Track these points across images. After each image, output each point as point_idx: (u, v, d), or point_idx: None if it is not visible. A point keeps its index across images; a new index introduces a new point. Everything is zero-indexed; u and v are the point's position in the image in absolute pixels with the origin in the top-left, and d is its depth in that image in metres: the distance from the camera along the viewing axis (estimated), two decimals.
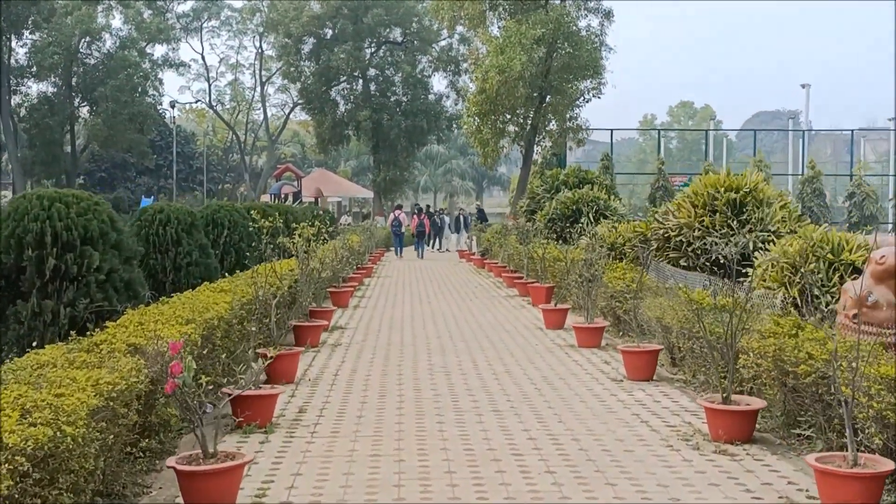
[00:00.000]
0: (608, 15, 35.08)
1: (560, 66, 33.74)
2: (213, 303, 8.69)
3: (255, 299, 9.64)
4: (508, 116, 35.18)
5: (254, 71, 67.26)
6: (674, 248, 13.46)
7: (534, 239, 19.87)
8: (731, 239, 12.66)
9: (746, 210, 12.92)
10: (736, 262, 12.95)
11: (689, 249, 13.00)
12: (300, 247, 11.83)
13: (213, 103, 68.82)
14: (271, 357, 7.80)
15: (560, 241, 22.22)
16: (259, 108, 68.59)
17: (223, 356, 8.00)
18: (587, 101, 35.50)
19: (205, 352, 7.33)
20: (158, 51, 61.65)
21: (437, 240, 44.22)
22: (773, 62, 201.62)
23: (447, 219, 48.33)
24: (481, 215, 41.79)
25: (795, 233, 13.00)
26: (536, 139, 36.57)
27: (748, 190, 13.05)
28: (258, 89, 67.62)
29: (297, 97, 59.63)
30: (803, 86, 48.25)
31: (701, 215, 13.08)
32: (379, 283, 22.57)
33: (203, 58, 67.27)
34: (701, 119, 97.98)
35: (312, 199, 50.04)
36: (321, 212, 32.04)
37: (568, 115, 35.26)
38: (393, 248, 38.22)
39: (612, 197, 24.36)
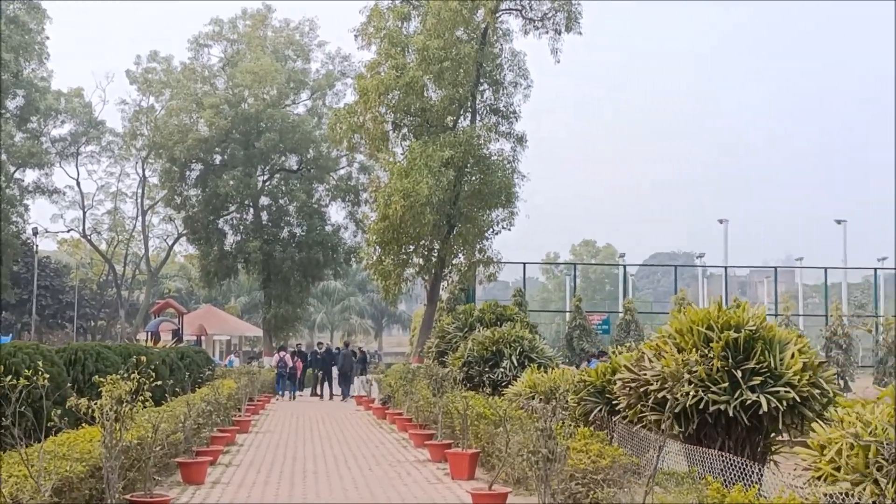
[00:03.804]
0: (521, 140, 32.49)
1: (470, 192, 30.85)
2: None
3: None
4: (413, 247, 31.81)
5: (136, 199, 62.64)
6: (652, 406, 9.81)
7: (450, 388, 15.95)
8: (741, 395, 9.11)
9: (753, 355, 9.42)
10: (750, 428, 9.40)
11: (679, 409, 9.32)
12: (107, 412, 7.65)
13: (89, 233, 63.43)
14: None
15: (479, 389, 18.56)
16: (140, 239, 63.54)
17: None
18: (497, 233, 32.61)
19: None
20: (29, 176, 56.77)
21: (339, 383, 34.01)
22: (668, 204, 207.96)
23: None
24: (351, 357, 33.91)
25: (816, 386, 9.60)
26: (443, 273, 33.23)
27: (753, 328, 9.58)
28: (139, 219, 62.81)
29: (182, 227, 55.08)
30: (721, 221, 46.46)
31: (693, 362, 9.48)
32: (255, 443, 18.10)
33: (78, 184, 62.23)
34: (603, 258, 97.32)
35: (194, 338, 45.19)
36: (197, 352, 27.50)
37: (478, 247, 32.15)
38: (278, 391, 34.31)
39: (538, 336, 20.92)
